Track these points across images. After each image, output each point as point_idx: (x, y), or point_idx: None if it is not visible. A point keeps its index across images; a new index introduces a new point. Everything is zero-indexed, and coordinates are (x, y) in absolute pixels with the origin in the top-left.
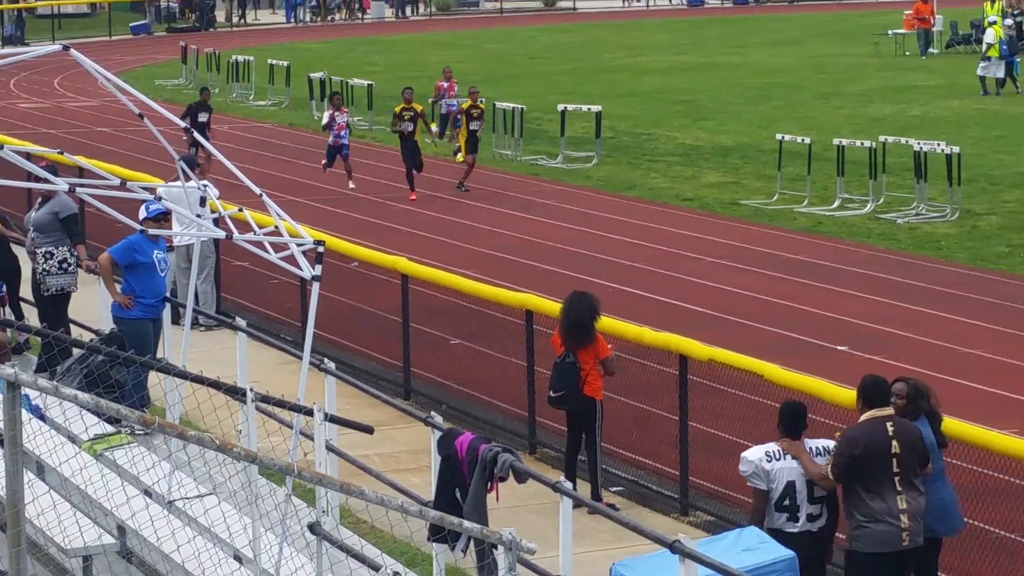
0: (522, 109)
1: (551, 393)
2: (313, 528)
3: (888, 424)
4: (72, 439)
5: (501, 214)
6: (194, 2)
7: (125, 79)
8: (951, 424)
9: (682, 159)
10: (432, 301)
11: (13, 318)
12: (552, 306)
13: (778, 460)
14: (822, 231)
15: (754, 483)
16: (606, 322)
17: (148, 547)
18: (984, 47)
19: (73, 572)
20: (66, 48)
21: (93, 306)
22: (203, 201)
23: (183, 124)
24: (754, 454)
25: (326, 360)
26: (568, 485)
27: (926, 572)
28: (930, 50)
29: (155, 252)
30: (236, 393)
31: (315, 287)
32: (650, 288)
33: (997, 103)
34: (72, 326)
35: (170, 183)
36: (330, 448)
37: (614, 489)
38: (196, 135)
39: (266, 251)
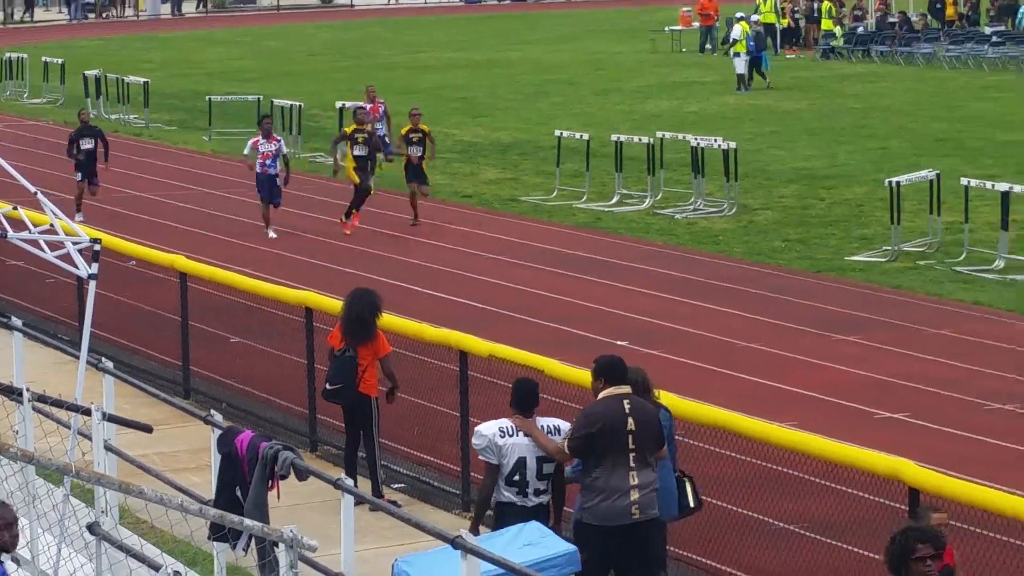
0: (300, 106)
1: (327, 386)
2: (92, 528)
3: (625, 402)
4: None
5: (282, 212)
6: None
7: None
8: (723, 415)
9: (461, 156)
10: (211, 299)
11: None
12: (332, 304)
13: (511, 436)
14: (601, 227)
15: (486, 457)
16: (387, 319)
17: None
18: (731, 43)
19: None
20: None
21: None
22: None
23: None
24: (488, 429)
25: (104, 359)
26: (349, 482)
27: (654, 553)
28: (707, 47)
29: None
30: (12, 393)
31: (92, 286)
32: (430, 285)
33: (770, 98)
34: None
35: None
36: (108, 448)
37: (396, 486)
38: None
39: (42, 250)
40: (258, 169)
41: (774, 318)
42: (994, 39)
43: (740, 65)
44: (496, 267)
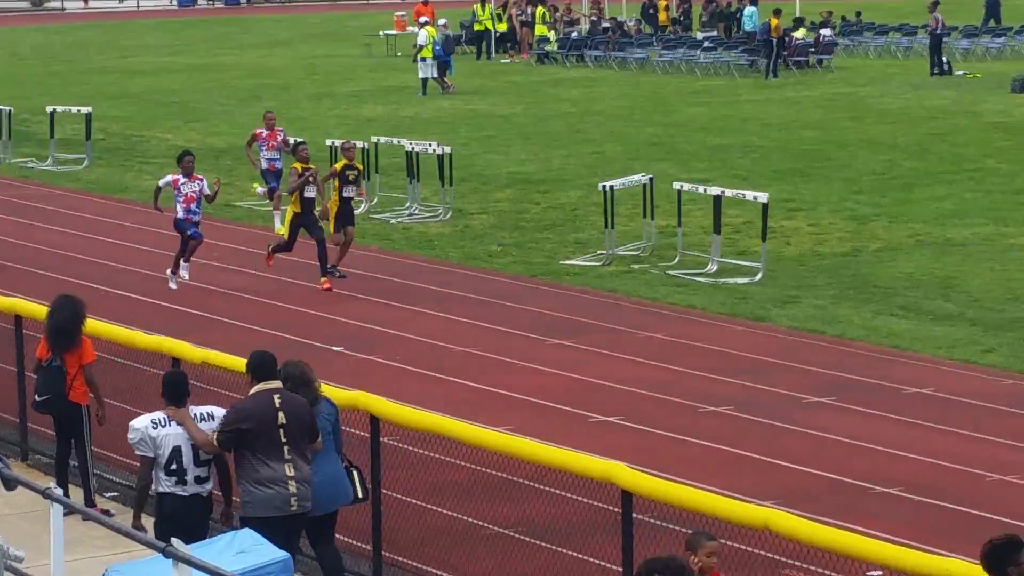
0: (10, 111)
1: (36, 397)
2: None
3: (275, 396)
4: None
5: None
6: None
7: None
8: (437, 420)
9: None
10: None
11: None
12: (42, 311)
13: (164, 426)
14: None
15: (141, 450)
16: (97, 326)
17: None
18: (417, 48)
19: None
20: None
21: None
22: None
23: None
24: (140, 422)
25: None
26: (59, 491)
27: (322, 539)
28: None
29: None
30: None
31: None
32: (142, 291)
33: (486, 102)
34: None
35: None
36: None
37: (109, 495)
38: None
39: None
40: (180, 214)
41: (490, 322)
42: (706, 44)
43: (425, 70)
44: (208, 273)
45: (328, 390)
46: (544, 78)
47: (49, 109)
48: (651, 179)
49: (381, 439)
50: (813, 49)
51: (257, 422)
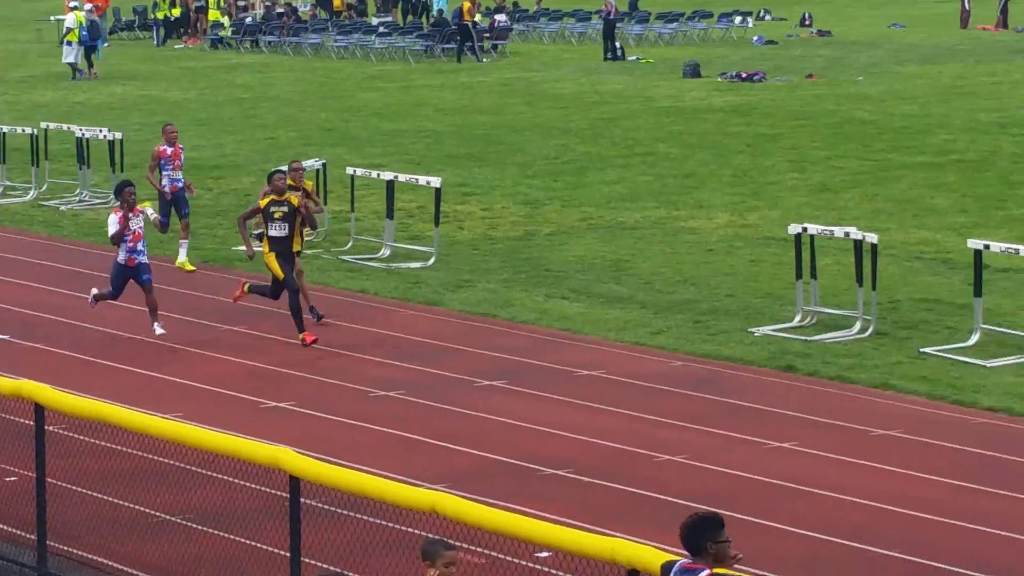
0: None
1: None
2: None
3: None
4: None
5: None
6: None
7: None
8: (103, 408)
9: None
10: None
11: None
12: None
13: None
14: None
15: None
16: None
17: None
18: (64, 32)
19: None
20: None
21: None
22: None
23: None
24: None
25: None
26: None
27: None
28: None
29: None
30: None
31: None
32: None
33: (158, 88)
34: None
35: None
36: None
37: None
38: None
39: None
40: (122, 258)
41: (162, 310)
42: (381, 30)
43: (70, 55)
44: None
45: None
46: (218, 63)
47: None
48: (324, 164)
49: (47, 427)
50: (488, 34)
51: None
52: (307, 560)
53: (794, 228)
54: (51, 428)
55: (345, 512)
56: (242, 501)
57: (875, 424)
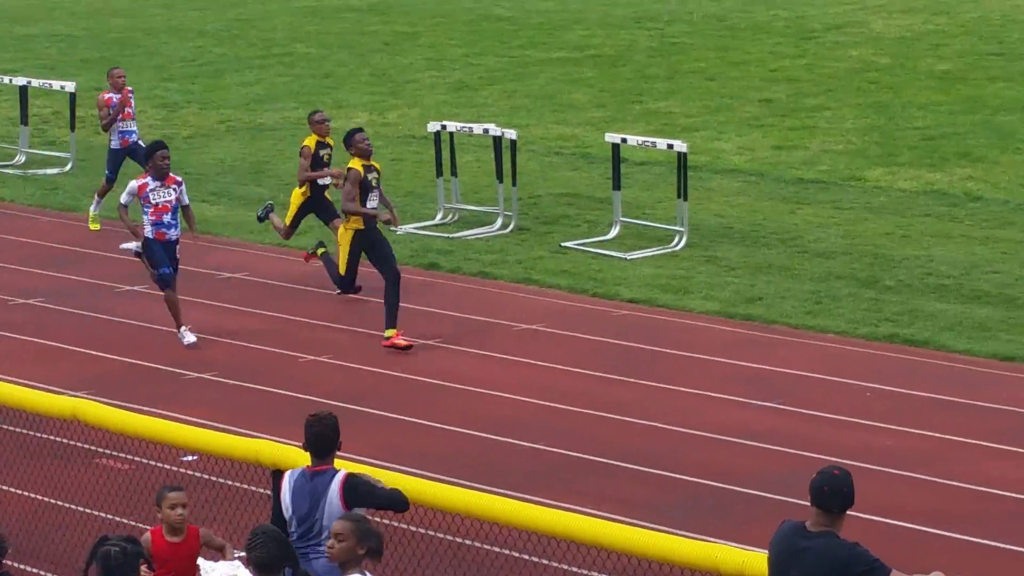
0: None
1: None
2: None
3: None
4: None
5: None
6: None
7: None
8: None
9: None
10: None
11: None
12: None
13: None
14: None
15: None
16: None
17: None
18: None
19: None
20: None
21: None
22: None
23: None
24: None
25: None
26: None
27: None
28: None
29: None
30: None
31: None
32: None
33: None
34: None
35: None
36: None
37: None
38: None
39: None
40: (149, 231)
41: None
42: None
43: None
44: None
45: None
46: None
47: None
48: None
49: None
50: None
51: None
52: None
53: (433, 126)
54: None
55: None
56: None
57: (518, 319)
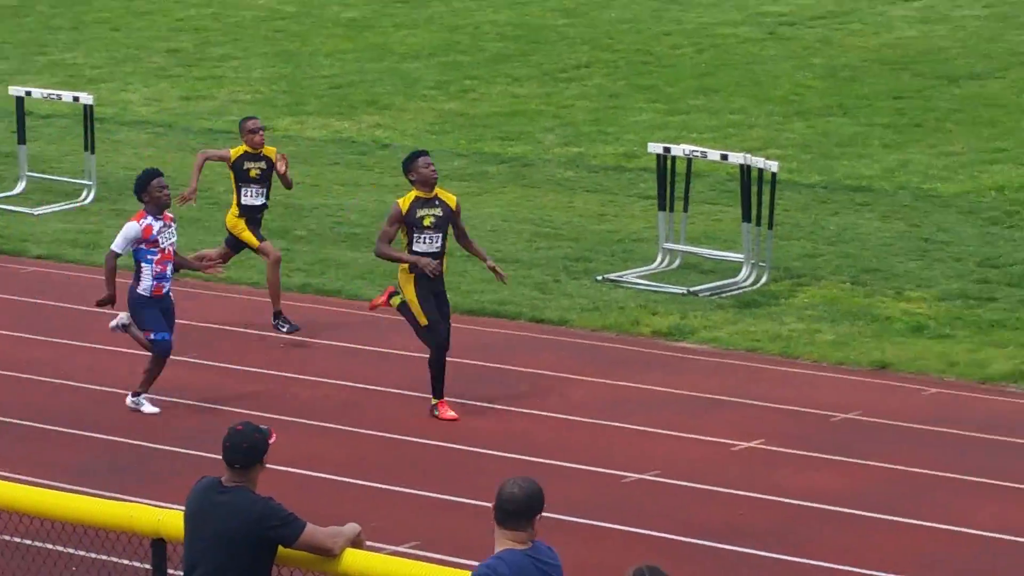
0: None
1: None
2: None
3: None
4: None
5: None
6: None
7: None
8: None
9: None
10: None
11: None
12: None
13: None
14: None
15: None
16: None
17: None
18: None
19: None
20: None
21: None
22: None
23: None
24: None
25: None
26: None
27: None
28: None
29: None
30: None
31: None
32: None
33: None
34: None
35: None
36: None
37: None
38: None
39: None
40: (146, 287)
41: None
42: None
43: None
44: None
45: None
46: None
47: None
48: None
49: None
50: None
51: None
52: None
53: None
54: None
55: None
56: None
57: None
